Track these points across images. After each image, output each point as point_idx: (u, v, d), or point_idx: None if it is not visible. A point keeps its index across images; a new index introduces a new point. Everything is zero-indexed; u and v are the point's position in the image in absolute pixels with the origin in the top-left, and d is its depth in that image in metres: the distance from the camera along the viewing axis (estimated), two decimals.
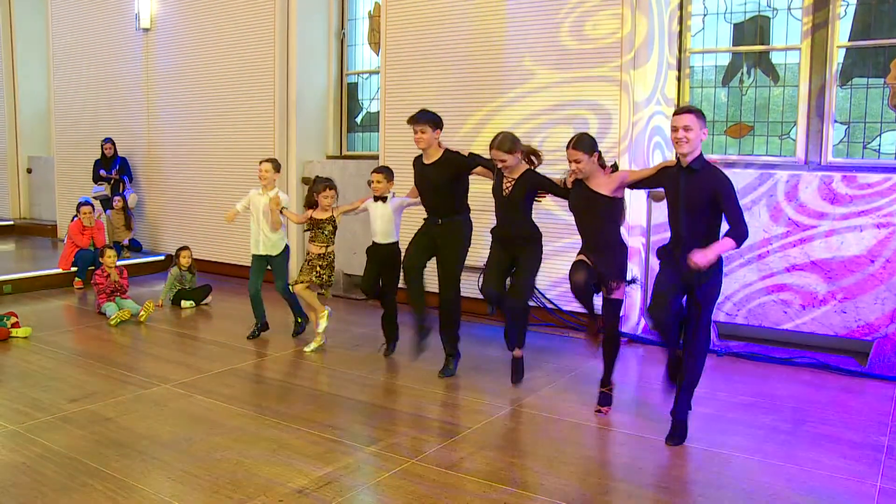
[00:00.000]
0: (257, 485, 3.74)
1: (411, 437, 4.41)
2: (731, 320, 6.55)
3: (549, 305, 6.88)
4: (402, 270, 5.70)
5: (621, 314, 4.89)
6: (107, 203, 10.17)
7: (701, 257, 3.99)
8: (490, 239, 5.29)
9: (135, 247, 9.97)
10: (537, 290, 6.93)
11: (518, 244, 5.14)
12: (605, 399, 4.85)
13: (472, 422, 4.66)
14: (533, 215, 5.21)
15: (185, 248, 8.02)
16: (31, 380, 5.41)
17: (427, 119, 5.41)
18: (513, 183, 5.06)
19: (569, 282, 4.72)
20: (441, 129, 5.47)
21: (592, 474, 3.95)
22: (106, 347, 6.37)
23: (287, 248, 6.57)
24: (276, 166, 6.46)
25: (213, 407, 4.88)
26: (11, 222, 12.69)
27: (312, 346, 6.19)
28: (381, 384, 5.48)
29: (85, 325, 7.04)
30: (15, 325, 6.47)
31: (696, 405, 4.48)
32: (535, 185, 5.08)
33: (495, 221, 5.24)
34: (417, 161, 5.64)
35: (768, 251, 6.35)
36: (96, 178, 10.34)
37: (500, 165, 5.03)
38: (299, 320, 6.67)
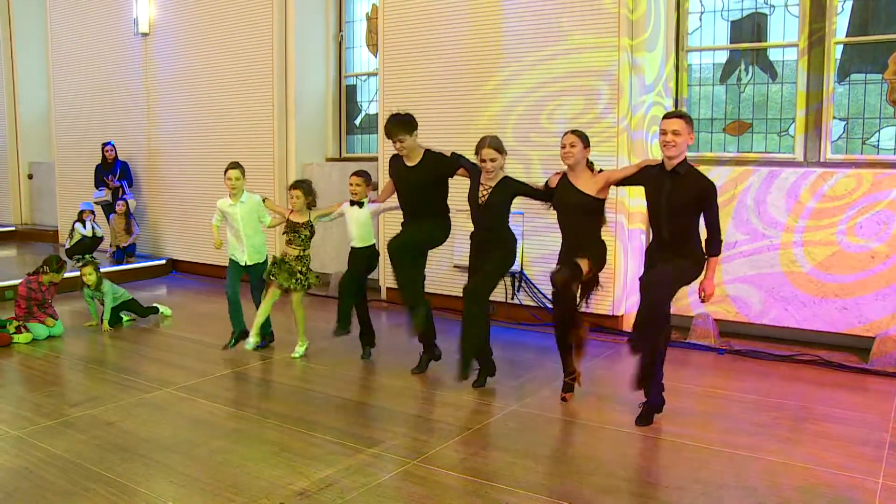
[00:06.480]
0: (259, 487, 3.74)
1: (412, 438, 4.42)
2: (732, 318, 6.55)
3: (550, 305, 6.87)
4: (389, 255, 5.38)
5: (580, 303, 4.97)
6: (108, 208, 10.20)
7: (711, 289, 4.44)
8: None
9: (129, 252, 9.95)
10: (537, 289, 6.93)
11: (492, 248, 5.11)
12: (567, 387, 5.05)
13: (474, 422, 4.67)
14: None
15: (86, 264, 7.16)
16: (33, 385, 5.42)
17: (403, 127, 5.21)
18: (489, 190, 5.05)
19: (552, 285, 4.77)
20: (417, 129, 5.27)
21: (594, 474, 3.95)
22: (107, 352, 6.38)
23: (267, 257, 6.36)
24: (243, 171, 6.29)
25: (214, 410, 4.88)
26: (13, 228, 12.71)
27: (299, 351, 6.12)
28: (381, 386, 5.48)
29: (86, 330, 7.04)
30: (18, 329, 6.49)
31: (696, 402, 4.48)
32: (513, 191, 5.09)
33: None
34: (397, 162, 5.45)
35: (768, 248, 6.35)
36: (98, 184, 10.35)
37: (489, 167, 4.97)
38: (236, 333, 6.38)
